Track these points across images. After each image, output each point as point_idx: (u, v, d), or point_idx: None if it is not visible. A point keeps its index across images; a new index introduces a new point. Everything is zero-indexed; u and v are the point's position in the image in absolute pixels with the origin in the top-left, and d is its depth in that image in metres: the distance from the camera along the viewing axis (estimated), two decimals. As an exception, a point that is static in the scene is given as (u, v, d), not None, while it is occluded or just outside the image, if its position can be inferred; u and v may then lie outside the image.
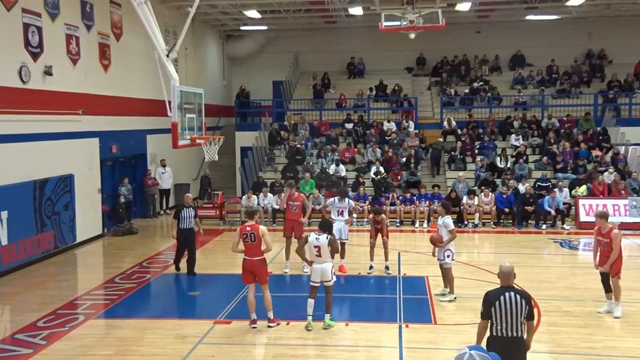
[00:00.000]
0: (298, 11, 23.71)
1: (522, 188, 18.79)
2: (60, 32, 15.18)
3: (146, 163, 20.33)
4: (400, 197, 19.09)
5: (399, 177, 20.66)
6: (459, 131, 22.89)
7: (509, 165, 20.74)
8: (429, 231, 17.03)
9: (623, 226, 17.06)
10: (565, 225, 17.79)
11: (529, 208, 18.01)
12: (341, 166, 20.94)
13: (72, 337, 9.22)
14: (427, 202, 18.60)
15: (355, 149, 22.25)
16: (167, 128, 11.94)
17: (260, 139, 23.77)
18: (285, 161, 22.36)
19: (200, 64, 25.52)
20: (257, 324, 9.41)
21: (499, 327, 5.93)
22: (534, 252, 15.28)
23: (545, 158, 20.96)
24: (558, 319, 9.53)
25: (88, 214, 16.26)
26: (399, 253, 14.55)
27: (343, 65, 28.78)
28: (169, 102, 11.61)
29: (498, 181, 19.93)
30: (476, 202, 18.29)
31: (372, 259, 12.86)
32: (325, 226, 9.57)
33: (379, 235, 12.69)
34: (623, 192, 18.47)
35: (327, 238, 9.33)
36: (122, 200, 18.11)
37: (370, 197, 19.11)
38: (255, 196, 18.85)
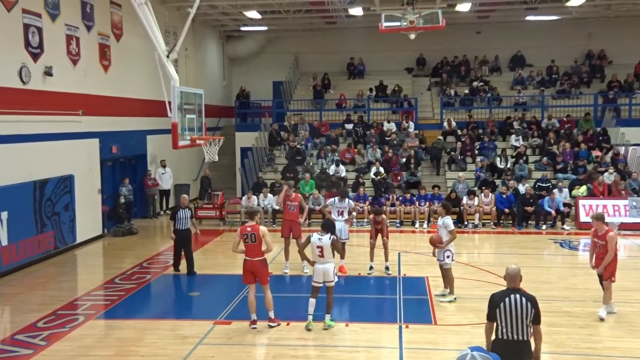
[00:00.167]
0: (298, 12, 23.72)
1: (522, 188, 18.79)
2: (61, 33, 15.19)
3: (146, 163, 20.34)
4: (400, 198, 19.09)
5: (399, 178, 20.67)
6: (459, 132, 22.90)
7: (509, 165, 20.74)
8: (429, 232, 17.04)
9: (623, 226, 17.18)
10: (565, 226, 17.79)
11: (529, 208, 18.01)
12: (341, 167, 20.94)
13: (72, 337, 9.22)
14: (427, 202, 18.61)
15: (356, 150, 22.25)
16: (167, 128, 11.94)
17: (260, 139, 23.77)
18: (285, 162, 22.36)
19: (200, 65, 25.53)
20: (257, 324, 9.41)
21: (503, 330, 5.85)
22: (534, 252, 15.29)
23: (545, 158, 20.96)
24: (558, 320, 9.53)
25: (88, 215, 16.26)
26: (399, 254, 14.55)
27: (343, 66, 28.79)
28: (169, 103, 11.61)
29: (498, 182, 19.93)
30: (476, 203, 18.29)
31: (372, 260, 12.86)
32: (328, 226, 9.57)
33: (379, 235, 12.70)
34: (623, 192, 18.47)
35: (329, 238, 9.34)
36: (123, 200, 18.11)
37: (370, 198, 19.11)
38: (255, 197, 18.86)
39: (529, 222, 18.18)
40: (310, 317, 9.38)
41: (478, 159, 21.33)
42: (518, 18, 25.73)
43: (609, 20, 25.67)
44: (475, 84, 26.10)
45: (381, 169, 20.60)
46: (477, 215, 18.13)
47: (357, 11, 22.83)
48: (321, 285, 9.37)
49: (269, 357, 8.76)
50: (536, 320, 5.89)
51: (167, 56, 11.99)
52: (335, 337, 9.13)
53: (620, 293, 11.06)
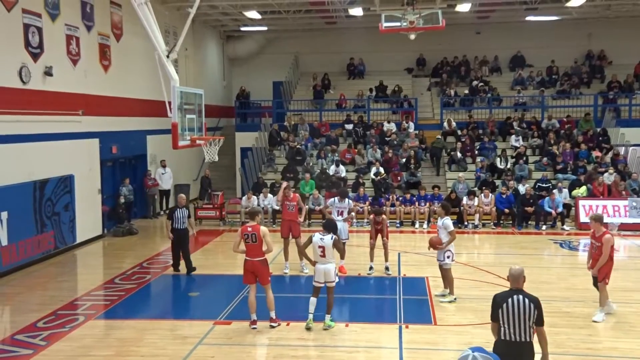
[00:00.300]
0: (298, 12, 23.71)
1: (522, 189, 18.79)
2: (61, 33, 15.19)
3: (146, 164, 20.34)
4: (400, 198, 19.09)
5: (399, 178, 20.67)
6: (459, 132, 22.90)
7: (509, 166, 20.75)
8: (429, 232, 17.04)
9: (623, 227, 17.20)
10: (565, 226, 17.79)
11: (529, 209, 17.99)
12: (341, 167, 20.94)
13: (72, 337, 9.22)
14: (427, 203, 18.61)
15: (356, 150, 22.24)
16: (167, 129, 11.94)
17: (260, 139, 23.77)
18: (285, 162, 22.36)
19: (200, 65, 25.52)
20: (257, 324, 9.41)
21: (506, 331, 5.81)
22: (534, 253, 15.29)
23: (545, 159, 20.96)
24: (558, 320, 9.52)
25: (88, 215, 16.26)
26: (399, 254, 14.55)
27: (343, 66, 28.79)
28: (169, 103, 11.61)
29: (498, 182, 19.93)
30: (476, 203, 18.29)
31: (372, 260, 12.86)
32: (330, 226, 9.57)
33: (379, 236, 12.70)
34: (623, 193, 18.47)
35: (331, 238, 9.34)
36: (123, 200, 18.11)
37: (370, 198, 19.12)
38: (255, 197, 18.86)
39: (529, 222, 18.17)
40: (310, 316, 9.38)
41: (478, 159, 21.33)
42: (518, 18, 25.73)
43: (609, 20, 25.67)
44: (475, 83, 26.12)
45: (381, 169, 20.60)
46: (477, 216, 18.13)
47: (357, 11, 22.84)
48: (322, 285, 9.38)
49: (269, 358, 8.77)
50: (539, 321, 5.85)
51: (167, 56, 11.99)
52: (335, 338, 9.13)
53: (620, 293, 11.08)
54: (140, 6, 11.69)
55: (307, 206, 18.37)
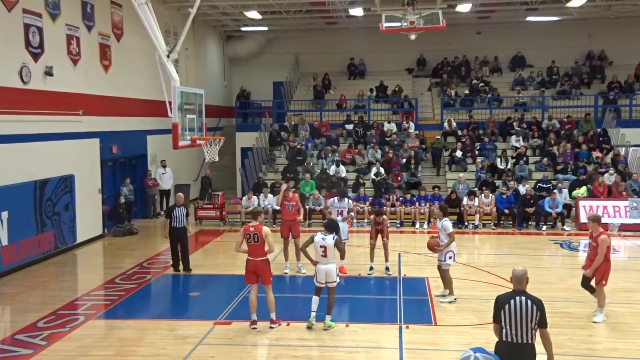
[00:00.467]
0: (298, 12, 23.71)
1: (522, 189, 18.79)
2: (61, 33, 15.19)
3: (146, 163, 20.34)
4: (401, 198, 19.09)
5: (399, 178, 20.67)
6: (459, 132, 22.90)
7: (509, 166, 20.75)
8: (429, 232, 17.03)
9: (623, 227, 17.21)
10: (565, 227, 17.78)
11: (530, 210, 17.97)
12: (341, 167, 20.94)
13: (73, 337, 9.22)
14: (428, 203, 18.62)
15: (356, 150, 22.24)
16: (167, 129, 11.95)
17: (261, 139, 23.77)
18: (285, 162, 22.37)
19: (200, 65, 25.53)
20: (257, 324, 9.41)
21: (508, 332, 5.78)
22: (534, 253, 15.29)
23: (545, 159, 20.96)
24: (559, 320, 9.51)
25: (88, 215, 16.26)
26: (399, 254, 14.55)
27: (343, 66, 28.79)
28: (170, 103, 11.61)
29: (498, 182, 19.93)
30: (476, 203, 18.29)
31: (372, 260, 12.86)
32: (331, 226, 9.57)
33: (379, 236, 12.70)
34: (624, 193, 18.46)
35: (333, 238, 9.34)
36: (123, 200, 18.12)
37: (370, 198, 19.12)
38: (255, 197, 18.87)
39: (529, 222, 18.16)
40: (313, 314, 9.38)
41: (478, 159, 21.33)
42: (518, 19, 25.73)
43: (610, 21, 25.67)
44: (474, 82, 26.13)
45: (381, 170, 20.61)
46: (477, 216, 18.12)
47: (357, 11, 22.83)
48: (323, 285, 9.38)
49: (269, 358, 8.77)
50: (542, 323, 5.80)
51: (168, 56, 12.00)
52: (335, 338, 9.13)
53: (620, 294, 11.10)
54: (140, 6, 11.70)
55: (307, 206, 18.43)
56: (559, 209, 17.79)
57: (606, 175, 19.18)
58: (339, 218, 12.73)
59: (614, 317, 9.87)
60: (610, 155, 20.95)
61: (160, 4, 20.09)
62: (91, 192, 16.55)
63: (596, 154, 21.03)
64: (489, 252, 16.20)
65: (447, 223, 10.72)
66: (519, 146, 21.68)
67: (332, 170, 20.76)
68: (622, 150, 21.32)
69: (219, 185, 22.91)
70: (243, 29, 27.53)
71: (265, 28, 27.45)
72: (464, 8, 22.55)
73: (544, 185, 19.12)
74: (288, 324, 9.58)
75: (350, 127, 23.99)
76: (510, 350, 5.72)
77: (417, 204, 18.69)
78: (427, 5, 18.94)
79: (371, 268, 12.82)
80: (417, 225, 18.41)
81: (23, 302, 11.34)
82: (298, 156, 22.21)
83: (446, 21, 17.08)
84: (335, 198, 13.17)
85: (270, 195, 18.87)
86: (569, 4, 22.08)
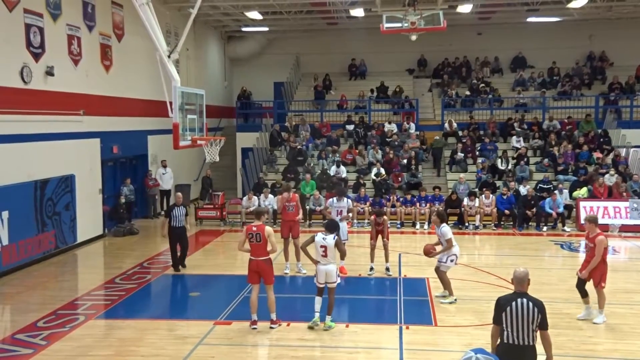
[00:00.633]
0: (299, 12, 23.71)
1: (523, 190, 18.78)
2: (62, 33, 15.20)
3: (147, 164, 20.34)
4: (401, 199, 19.08)
5: (399, 179, 20.67)
6: (460, 133, 22.90)
7: (509, 167, 20.74)
8: (429, 233, 17.03)
9: (624, 228, 17.21)
10: (565, 227, 17.77)
11: (530, 212, 17.93)
12: (342, 167, 20.94)
13: (73, 337, 9.22)
14: (428, 204, 18.61)
15: (357, 151, 22.24)
16: (168, 129, 11.96)
17: (261, 140, 23.78)
18: (286, 162, 22.38)
19: (201, 65, 25.53)
20: (257, 324, 9.41)
21: (509, 334, 5.76)
22: (535, 254, 15.28)
23: (546, 160, 20.96)
24: (559, 321, 9.51)
25: (89, 215, 16.27)
26: (399, 254, 14.54)
27: (344, 67, 28.80)
28: (170, 103, 11.63)
29: (499, 183, 19.92)
30: (477, 204, 18.28)
31: (372, 261, 12.86)
32: (332, 226, 9.56)
33: (380, 236, 12.69)
34: (624, 194, 18.46)
35: (334, 238, 9.33)
36: (124, 200, 18.12)
37: (370, 199, 19.12)
38: (256, 197, 18.86)
39: (530, 223, 18.14)
40: (317, 315, 9.38)
41: (479, 160, 21.32)
42: (519, 19, 25.74)
43: (611, 22, 25.66)
44: (474, 82, 26.13)
45: (382, 170, 20.61)
46: (477, 217, 18.11)
47: (358, 12, 22.84)
48: (323, 285, 9.38)
49: (269, 358, 8.78)
50: (543, 325, 5.79)
51: (169, 56, 12.01)
52: (335, 338, 9.12)
53: (621, 295, 11.10)
54: (141, 6, 11.71)
55: (308, 207, 18.44)
56: (560, 210, 17.77)
57: (607, 176, 19.18)
58: (338, 218, 12.72)
59: (615, 318, 9.85)
60: (611, 156, 20.93)
61: (161, 4, 20.10)
62: (92, 192, 16.56)
63: (597, 154, 21.02)
64: (490, 252, 16.19)
65: (445, 229, 10.72)
66: (519, 147, 21.68)
67: (332, 170, 20.76)
68: (623, 151, 21.31)
69: (219, 186, 22.91)
70: (244, 29, 27.54)
71: (266, 28, 27.45)
72: (464, 9, 22.55)
73: (545, 186, 19.11)
74: (288, 325, 9.58)
75: (350, 127, 23.99)
76: (511, 352, 5.70)
77: (417, 204, 18.69)
78: (428, 6, 18.94)
79: (371, 268, 12.81)
80: (418, 226, 18.41)
81: (23, 302, 11.34)
82: (299, 157, 22.21)
83: (447, 22, 17.07)
84: (334, 198, 13.17)
85: (270, 196, 18.87)
86: (570, 5, 22.08)
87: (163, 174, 20.46)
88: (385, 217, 13.01)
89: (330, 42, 28.13)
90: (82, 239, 15.89)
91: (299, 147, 22.57)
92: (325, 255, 9.33)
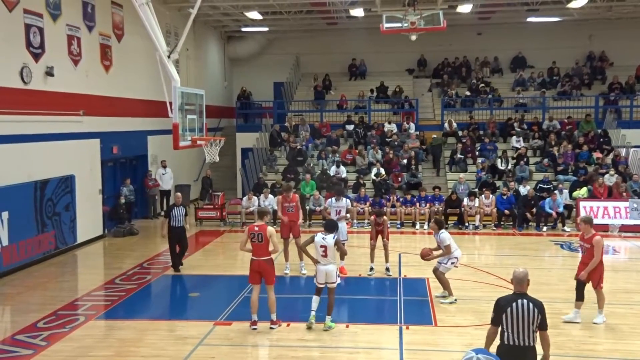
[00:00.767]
0: (299, 12, 23.71)
1: (523, 190, 18.78)
2: (62, 33, 15.19)
3: (147, 164, 20.34)
4: (401, 199, 19.08)
5: (399, 179, 20.67)
6: (460, 133, 22.90)
7: (509, 167, 20.74)
8: (429, 233, 17.01)
9: (624, 228, 17.21)
10: (565, 228, 17.76)
11: (530, 213, 17.91)
12: (342, 168, 20.95)
13: (73, 338, 9.21)
14: (428, 204, 18.62)
15: (356, 151, 22.24)
16: (168, 129, 11.95)
17: (261, 140, 23.78)
18: (286, 162, 22.38)
19: (201, 65, 25.54)
20: (257, 325, 9.41)
21: (509, 336, 5.76)
22: (535, 254, 15.28)
23: (546, 160, 20.96)
24: (559, 322, 9.51)
25: (89, 215, 16.26)
26: (399, 255, 14.54)
27: (344, 67, 28.80)
28: (170, 103, 11.62)
29: (499, 183, 19.92)
30: (477, 204, 18.27)
31: (372, 261, 12.86)
32: (331, 226, 9.56)
33: (380, 236, 12.69)
34: (624, 194, 18.46)
35: (333, 238, 9.33)
36: (124, 201, 18.11)
37: (370, 199, 19.11)
38: (256, 197, 18.86)
39: (530, 223, 18.14)
40: (313, 314, 9.38)
41: (479, 160, 21.33)
42: (519, 19, 25.74)
43: (610, 22, 25.66)
44: (474, 82, 26.13)
45: (382, 170, 20.61)
46: (477, 217, 18.11)
47: (358, 12, 22.84)
48: (323, 286, 9.37)
49: (269, 358, 8.78)
50: (542, 326, 5.79)
51: (168, 57, 12.00)
52: (335, 338, 9.12)
53: (621, 295, 11.10)
54: (141, 6, 11.70)
55: (307, 207, 18.42)
56: (560, 210, 17.77)
57: (607, 176, 19.18)
58: (336, 217, 12.70)
59: (615, 318, 9.86)
60: (611, 156, 20.94)
61: (160, 5, 20.10)
62: (91, 192, 16.55)
63: (597, 154, 21.03)
64: (489, 252, 16.19)
65: (444, 235, 10.73)
66: (519, 147, 21.68)
67: (332, 170, 20.76)
68: (623, 151, 21.31)
69: (219, 186, 22.91)
70: (244, 29, 27.54)
71: (266, 28, 27.46)
72: (464, 9, 22.55)
73: (545, 186, 19.11)
74: (288, 325, 9.58)
75: (350, 127, 23.99)
76: (511, 353, 5.69)
77: (417, 204, 18.69)
78: (428, 6, 18.95)
79: (371, 269, 12.81)
80: (418, 226, 18.40)
81: (23, 303, 11.33)
82: (298, 157, 22.21)
83: (447, 22, 17.08)
84: (333, 198, 13.17)
85: (270, 196, 18.84)
86: (570, 5, 22.09)
87: (163, 174, 20.46)
88: (385, 217, 13.01)
89: (330, 42, 28.13)
90: (82, 239, 15.89)
91: (298, 147, 22.57)
92: (325, 256, 9.32)
